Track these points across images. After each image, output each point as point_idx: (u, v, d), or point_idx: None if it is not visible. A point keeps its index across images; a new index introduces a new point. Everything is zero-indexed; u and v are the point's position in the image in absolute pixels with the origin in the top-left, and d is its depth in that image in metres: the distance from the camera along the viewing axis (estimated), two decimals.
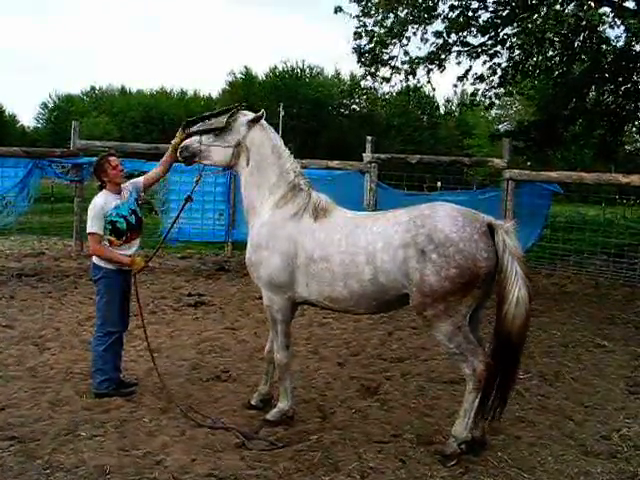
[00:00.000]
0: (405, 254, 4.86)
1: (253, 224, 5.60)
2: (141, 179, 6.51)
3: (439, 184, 20.65)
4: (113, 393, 6.11)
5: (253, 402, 6.02)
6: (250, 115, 5.66)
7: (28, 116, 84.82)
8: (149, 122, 75.92)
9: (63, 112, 75.45)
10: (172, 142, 5.99)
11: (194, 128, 5.74)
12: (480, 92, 18.51)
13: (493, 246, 4.82)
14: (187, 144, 5.69)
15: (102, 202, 6.09)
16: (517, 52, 17.17)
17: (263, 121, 5.67)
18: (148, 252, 14.80)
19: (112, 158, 6.20)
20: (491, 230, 4.86)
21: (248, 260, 5.59)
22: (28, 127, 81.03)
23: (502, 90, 18.65)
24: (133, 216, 6.21)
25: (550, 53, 17.37)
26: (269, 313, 5.60)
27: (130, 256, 6.18)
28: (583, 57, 17.56)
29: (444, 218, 4.87)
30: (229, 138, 5.59)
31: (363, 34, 16.66)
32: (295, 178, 5.57)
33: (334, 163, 14.45)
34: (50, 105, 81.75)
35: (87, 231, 6.14)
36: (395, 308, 5.42)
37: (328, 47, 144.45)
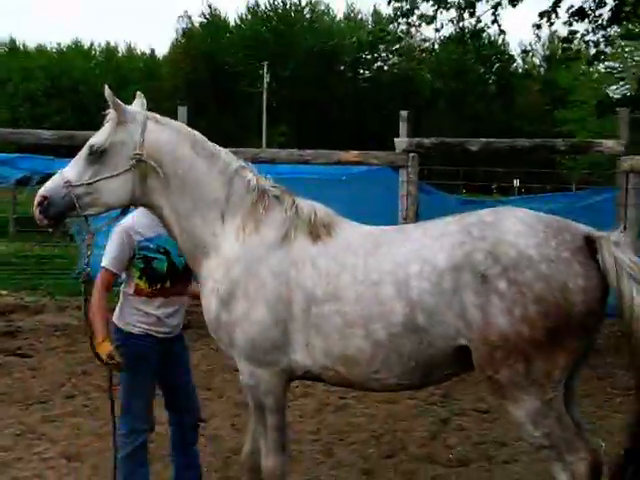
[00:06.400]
0: (456, 281, 4.79)
1: (209, 268, 5.51)
2: None
3: (517, 183, 20.63)
4: None
5: None
6: (133, 108, 5.66)
7: None
8: (57, 96, 76.25)
9: None
10: None
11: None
12: (579, 36, 18.46)
13: (596, 270, 4.71)
14: (49, 194, 5.37)
15: (131, 224, 6.03)
16: None
17: (153, 114, 5.66)
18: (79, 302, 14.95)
19: None
20: (591, 245, 4.77)
21: (214, 321, 5.51)
22: None
23: (615, 30, 18.54)
24: (184, 257, 6.00)
25: None
26: (251, 397, 5.56)
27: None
28: None
29: (515, 226, 4.82)
30: (120, 159, 5.43)
31: None
32: (257, 179, 5.57)
33: (351, 154, 14.40)
34: None
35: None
36: (448, 374, 5.28)
37: None
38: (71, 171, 5.43)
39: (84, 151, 5.46)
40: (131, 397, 6.19)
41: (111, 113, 5.49)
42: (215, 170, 5.56)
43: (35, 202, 5.37)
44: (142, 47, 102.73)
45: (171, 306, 6.14)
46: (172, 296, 6.10)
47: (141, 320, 6.07)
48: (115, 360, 5.81)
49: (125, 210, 5.67)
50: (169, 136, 5.55)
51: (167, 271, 6.02)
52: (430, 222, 5.33)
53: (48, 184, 5.43)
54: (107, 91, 5.44)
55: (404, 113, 14.17)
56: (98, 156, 5.38)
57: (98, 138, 5.45)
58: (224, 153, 5.68)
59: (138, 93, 5.92)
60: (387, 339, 4.99)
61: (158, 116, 5.67)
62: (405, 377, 5.16)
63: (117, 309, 6.23)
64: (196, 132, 5.75)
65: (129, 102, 5.88)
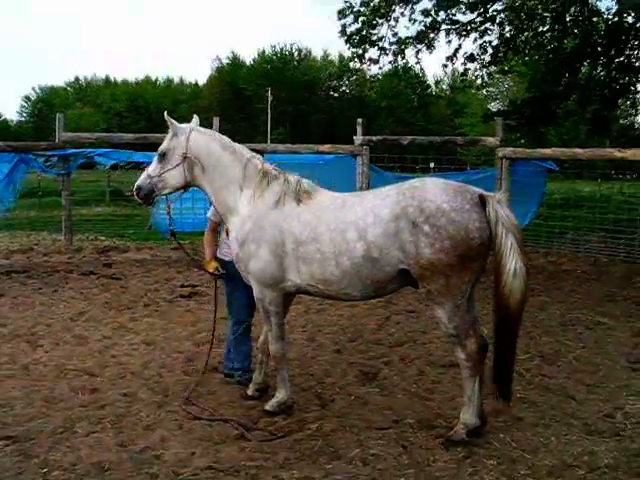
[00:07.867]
0: (397, 227, 4.87)
1: (234, 223, 5.60)
2: None
3: (432, 165, 20.59)
4: (246, 383, 6.25)
5: (249, 392, 6.04)
6: (183, 125, 5.75)
7: (11, 110, 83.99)
8: (135, 112, 76.36)
9: (47, 105, 75.55)
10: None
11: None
12: (471, 71, 18.61)
13: (485, 217, 4.82)
14: (139, 185, 5.68)
15: None
16: (507, 28, 17.17)
17: (198, 126, 5.79)
18: (150, 244, 14.84)
19: None
20: (482, 202, 4.86)
21: (235, 257, 5.63)
22: (12, 121, 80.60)
23: (493, 68, 18.69)
24: None
25: (541, 28, 17.37)
26: (261, 306, 5.62)
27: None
28: (575, 31, 17.49)
29: (434, 189, 4.90)
30: (174, 157, 5.62)
31: (349, 14, 16.69)
32: (262, 165, 5.61)
33: (325, 147, 14.39)
34: (33, 98, 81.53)
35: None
36: (391, 288, 5.30)
37: (317, 29, 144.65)
38: (150, 168, 5.70)
39: (156, 155, 5.72)
40: (232, 300, 6.48)
41: (170, 128, 5.69)
42: (236, 159, 5.62)
43: (134, 189, 5.73)
44: (189, 78, 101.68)
45: None
46: None
47: (229, 252, 6.15)
48: (219, 271, 6.25)
49: (186, 190, 5.84)
50: (205, 140, 5.68)
51: None
52: (377, 189, 5.37)
53: (140, 178, 5.73)
54: (166, 115, 5.75)
55: (360, 120, 14.25)
56: (162, 157, 5.64)
57: (162, 145, 5.69)
58: (241, 148, 5.76)
59: (194, 115, 6.05)
60: (351, 267, 5.08)
61: (201, 128, 5.83)
62: (364, 291, 5.26)
63: (219, 247, 6.44)
64: (224, 136, 5.85)
65: (182, 117, 5.99)
